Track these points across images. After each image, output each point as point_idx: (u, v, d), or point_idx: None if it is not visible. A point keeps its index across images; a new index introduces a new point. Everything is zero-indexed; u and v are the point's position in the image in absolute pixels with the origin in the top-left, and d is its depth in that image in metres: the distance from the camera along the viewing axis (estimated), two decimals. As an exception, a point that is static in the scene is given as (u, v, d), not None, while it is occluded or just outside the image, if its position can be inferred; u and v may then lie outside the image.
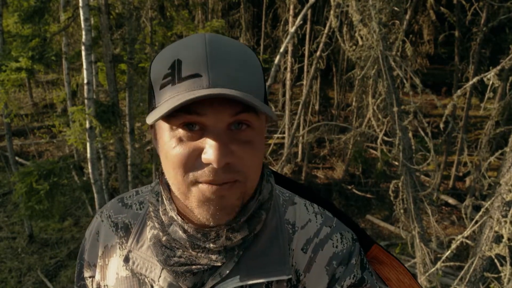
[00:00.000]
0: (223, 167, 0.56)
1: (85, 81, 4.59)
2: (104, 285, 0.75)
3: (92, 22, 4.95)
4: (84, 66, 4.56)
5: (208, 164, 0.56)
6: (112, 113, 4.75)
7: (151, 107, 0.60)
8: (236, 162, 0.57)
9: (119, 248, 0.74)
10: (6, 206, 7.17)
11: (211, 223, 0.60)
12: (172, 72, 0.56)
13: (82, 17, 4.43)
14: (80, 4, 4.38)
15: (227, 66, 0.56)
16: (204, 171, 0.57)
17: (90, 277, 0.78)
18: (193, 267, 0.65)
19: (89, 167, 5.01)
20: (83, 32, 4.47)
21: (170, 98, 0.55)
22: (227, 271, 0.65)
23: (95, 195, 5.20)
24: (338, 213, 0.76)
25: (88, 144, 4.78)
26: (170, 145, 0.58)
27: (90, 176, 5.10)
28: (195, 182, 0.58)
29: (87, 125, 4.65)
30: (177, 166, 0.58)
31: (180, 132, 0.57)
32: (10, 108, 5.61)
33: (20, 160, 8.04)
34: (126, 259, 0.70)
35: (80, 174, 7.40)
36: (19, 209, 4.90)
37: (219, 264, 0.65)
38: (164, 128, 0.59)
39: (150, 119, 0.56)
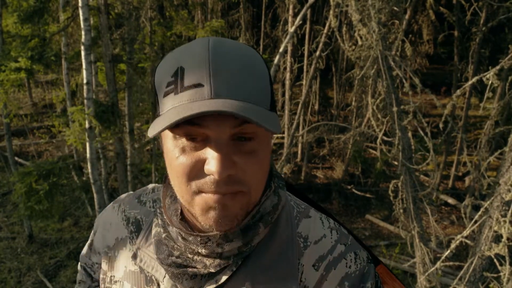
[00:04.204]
0: (225, 178, 0.56)
1: (85, 81, 4.58)
2: (111, 276, 0.77)
3: (92, 22, 4.95)
4: (84, 66, 4.56)
5: (210, 175, 0.56)
6: (112, 113, 4.75)
7: (155, 114, 0.60)
8: (239, 174, 0.57)
9: (129, 242, 0.75)
10: (6, 206, 7.16)
11: (214, 230, 0.61)
12: (175, 80, 0.56)
13: (81, 17, 4.43)
14: (80, 4, 4.37)
15: (229, 75, 0.55)
16: (206, 182, 0.57)
17: (96, 263, 0.81)
18: (189, 269, 0.65)
19: (89, 167, 5.01)
20: (83, 32, 4.47)
21: (172, 108, 0.55)
22: (224, 279, 0.65)
23: (95, 195, 5.20)
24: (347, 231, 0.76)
25: (87, 144, 4.78)
26: (174, 154, 0.58)
27: (90, 176, 5.10)
28: (198, 192, 0.58)
29: (87, 125, 4.65)
30: (180, 175, 0.58)
31: (184, 142, 0.57)
32: (10, 108, 5.61)
33: (19, 160, 8.03)
34: (134, 256, 0.72)
35: (79, 174, 7.39)
36: (18, 209, 4.90)
37: (212, 270, 0.64)
38: (168, 136, 0.59)
39: (150, 131, 0.55)
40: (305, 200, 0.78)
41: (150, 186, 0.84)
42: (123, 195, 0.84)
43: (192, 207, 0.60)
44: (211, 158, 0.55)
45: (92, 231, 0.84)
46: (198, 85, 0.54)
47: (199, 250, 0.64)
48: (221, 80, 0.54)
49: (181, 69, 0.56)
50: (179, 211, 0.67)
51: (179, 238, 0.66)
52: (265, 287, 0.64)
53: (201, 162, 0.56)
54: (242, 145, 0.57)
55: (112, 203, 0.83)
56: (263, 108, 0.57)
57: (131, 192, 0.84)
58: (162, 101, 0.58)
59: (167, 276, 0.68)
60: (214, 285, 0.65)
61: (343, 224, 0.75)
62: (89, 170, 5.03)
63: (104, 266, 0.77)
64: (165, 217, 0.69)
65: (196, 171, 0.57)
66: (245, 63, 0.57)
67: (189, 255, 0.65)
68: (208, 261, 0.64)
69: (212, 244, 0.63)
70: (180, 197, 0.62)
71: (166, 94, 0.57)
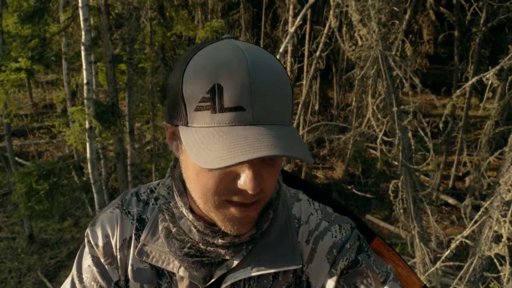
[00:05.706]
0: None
1: (85, 81, 4.59)
2: (124, 276, 0.76)
3: (92, 22, 4.95)
4: (84, 66, 4.56)
5: (242, 189, 0.60)
6: (112, 113, 4.75)
7: (179, 117, 0.60)
8: (264, 185, 0.61)
9: (136, 239, 0.76)
10: (6, 206, 7.16)
11: (234, 234, 0.66)
12: (212, 98, 0.55)
13: (81, 18, 4.43)
14: (80, 5, 4.38)
15: (269, 98, 0.56)
16: (236, 194, 0.61)
17: (115, 268, 0.76)
18: (204, 259, 0.69)
19: (89, 167, 5.01)
20: (83, 33, 4.47)
21: (211, 127, 0.56)
22: (235, 263, 0.69)
23: (95, 195, 5.20)
24: (341, 208, 0.81)
25: (87, 144, 4.78)
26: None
27: (90, 176, 5.10)
28: (225, 201, 0.62)
29: (87, 125, 4.65)
30: (210, 187, 0.61)
31: None
32: (10, 108, 5.60)
33: (20, 160, 8.03)
34: (140, 253, 0.72)
35: (79, 174, 7.40)
36: (19, 210, 4.90)
37: (227, 257, 0.69)
38: None
39: (206, 164, 0.55)
40: (301, 185, 0.84)
41: (146, 186, 0.82)
42: (114, 201, 0.81)
43: (213, 213, 0.64)
44: (246, 176, 0.58)
45: (87, 254, 0.77)
46: (240, 108, 0.55)
47: (215, 241, 0.68)
48: (262, 106, 0.56)
49: (218, 86, 0.55)
50: (188, 204, 0.70)
51: (193, 230, 0.69)
52: (271, 265, 0.69)
53: (232, 175, 0.59)
54: (267, 159, 0.60)
55: (106, 210, 0.79)
56: (288, 124, 0.61)
57: (123, 193, 0.82)
58: (192, 113, 0.58)
59: (182, 267, 0.70)
60: (226, 270, 0.70)
61: (339, 203, 0.82)
62: (89, 170, 5.03)
63: (120, 270, 0.77)
64: (176, 211, 0.71)
65: (226, 184, 0.60)
66: (279, 83, 0.59)
67: (202, 246, 0.69)
68: (223, 250, 0.69)
69: (230, 235, 0.67)
70: (201, 203, 0.64)
71: (199, 109, 0.57)
